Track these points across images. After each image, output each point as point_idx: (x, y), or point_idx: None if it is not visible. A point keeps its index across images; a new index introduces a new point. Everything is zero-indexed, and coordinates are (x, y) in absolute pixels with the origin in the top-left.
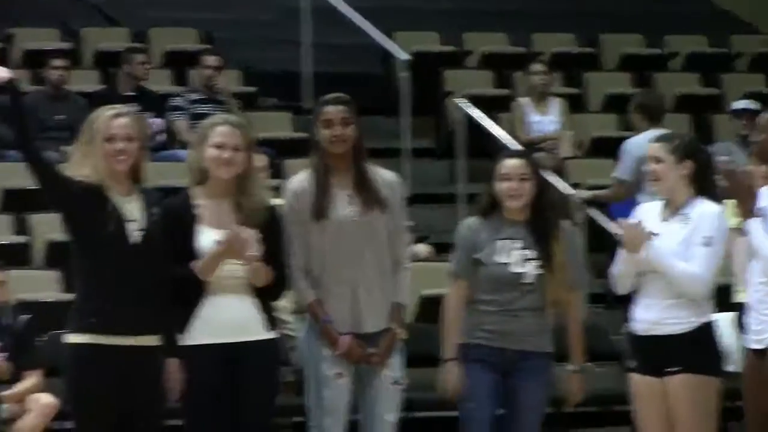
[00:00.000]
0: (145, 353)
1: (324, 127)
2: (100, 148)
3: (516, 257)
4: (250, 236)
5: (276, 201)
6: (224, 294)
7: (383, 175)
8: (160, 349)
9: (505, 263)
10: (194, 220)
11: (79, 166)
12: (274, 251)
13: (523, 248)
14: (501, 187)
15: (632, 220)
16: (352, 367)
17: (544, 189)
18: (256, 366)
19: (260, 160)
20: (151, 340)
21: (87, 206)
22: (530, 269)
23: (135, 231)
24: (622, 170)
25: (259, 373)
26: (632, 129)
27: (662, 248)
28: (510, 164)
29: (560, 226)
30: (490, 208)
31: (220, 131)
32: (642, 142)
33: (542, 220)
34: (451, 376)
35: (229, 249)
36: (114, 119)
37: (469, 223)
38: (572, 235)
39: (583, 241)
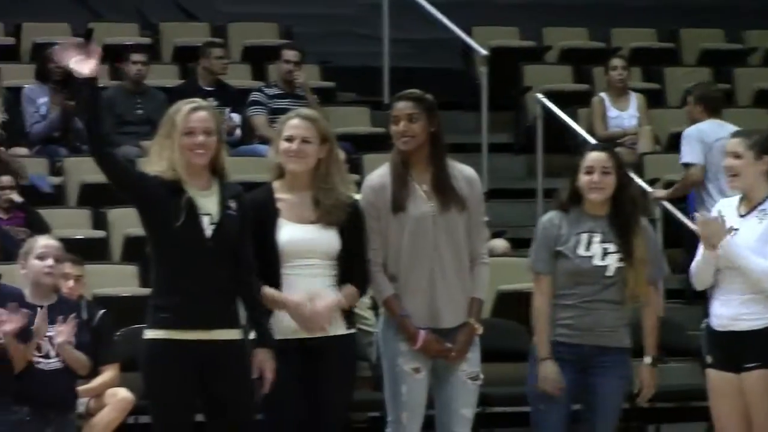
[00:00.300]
0: (220, 347)
1: (393, 123)
2: (179, 141)
3: (597, 250)
4: (326, 309)
5: (355, 196)
6: (305, 289)
7: (462, 170)
8: (237, 342)
9: (588, 256)
10: (276, 214)
11: (157, 160)
12: (356, 247)
13: (603, 242)
14: (584, 179)
15: (711, 214)
16: (430, 362)
17: (625, 184)
18: (334, 361)
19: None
20: (226, 334)
21: (162, 201)
22: (612, 262)
23: (208, 225)
24: (690, 155)
25: (337, 369)
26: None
27: (739, 244)
28: (594, 157)
29: (640, 221)
30: (571, 201)
31: (291, 124)
32: (705, 129)
33: (623, 214)
34: (548, 374)
35: (301, 323)
36: (193, 113)
37: (550, 217)
38: (649, 230)
39: (660, 237)
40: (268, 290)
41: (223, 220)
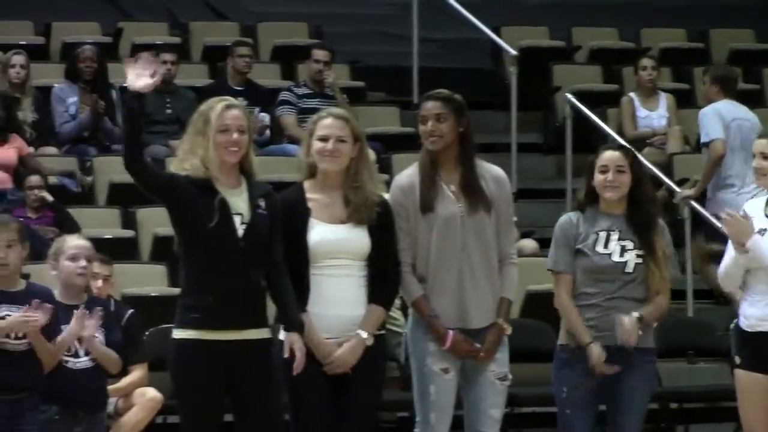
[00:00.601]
0: (250, 347)
1: (421, 123)
2: (214, 138)
3: (615, 247)
4: (352, 353)
5: (385, 195)
6: (337, 290)
7: (491, 170)
8: (267, 341)
9: (607, 253)
10: (307, 214)
11: (188, 158)
12: (387, 246)
13: (621, 239)
14: (599, 178)
15: (738, 213)
16: (458, 362)
17: (641, 182)
18: (363, 363)
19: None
20: (257, 333)
21: (193, 201)
22: (631, 258)
23: (240, 225)
24: (713, 132)
25: (366, 370)
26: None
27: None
28: (608, 156)
29: (658, 218)
30: (588, 201)
31: (325, 123)
32: (722, 109)
33: (641, 211)
34: (600, 356)
35: (326, 367)
36: (227, 110)
37: (568, 217)
38: (666, 230)
39: (688, 237)
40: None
41: (254, 220)
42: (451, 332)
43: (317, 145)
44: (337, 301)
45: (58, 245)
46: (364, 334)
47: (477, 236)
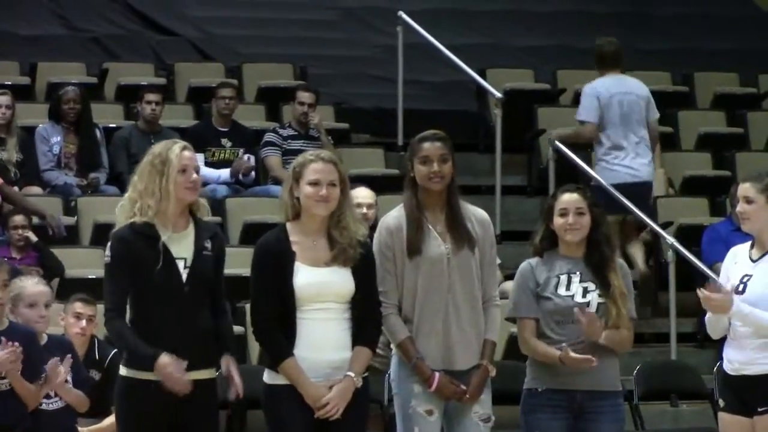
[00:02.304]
0: (196, 387)
1: (421, 164)
2: (175, 178)
3: (577, 289)
4: (341, 397)
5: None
6: (323, 333)
7: (475, 212)
8: (212, 381)
9: (569, 295)
10: (293, 257)
11: (143, 199)
12: (369, 287)
13: (582, 281)
14: (559, 222)
15: (710, 288)
16: (442, 403)
17: (599, 223)
18: (348, 403)
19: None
20: (203, 374)
21: (137, 250)
22: (593, 299)
23: (183, 269)
24: (584, 113)
25: (351, 411)
26: (724, 167)
27: (760, 296)
28: (567, 199)
29: (615, 258)
30: (547, 245)
31: (315, 168)
32: (600, 86)
33: (598, 252)
34: (573, 361)
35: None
36: (185, 151)
37: (528, 264)
38: (625, 268)
39: (673, 280)
40: (289, 365)
41: (197, 263)
42: (437, 374)
43: (308, 189)
44: (323, 344)
45: (16, 292)
46: (353, 376)
47: (462, 277)
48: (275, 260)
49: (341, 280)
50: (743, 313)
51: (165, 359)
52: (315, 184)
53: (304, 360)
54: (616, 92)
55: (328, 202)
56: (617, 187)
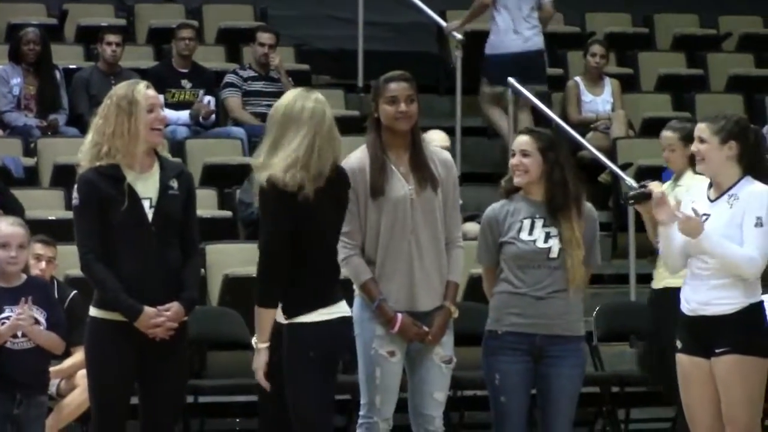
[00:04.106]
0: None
1: (388, 104)
2: (143, 120)
3: (540, 234)
4: None
5: None
6: None
7: (437, 153)
8: (184, 322)
9: (532, 240)
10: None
11: (111, 141)
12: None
13: (546, 226)
14: (512, 162)
15: (687, 211)
16: (405, 345)
17: (555, 167)
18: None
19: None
20: None
21: (103, 193)
22: (554, 244)
23: (149, 209)
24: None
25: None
26: (684, 108)
27: (714, 231)
28: (518, 140)
29: (580, 204)
30: (513, 187)
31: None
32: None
33: (554, 197)
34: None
35: None
36: (149, 90)
37: (492, 210)
38: (591, 215)
39: (632, 221)
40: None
41: (163, 202)
42: (399, 315)
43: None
44: None
45: None
46: None
47: (426, 218)
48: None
49: None
50: (712, 239)
51: (150, 312)
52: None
53: None
54: None
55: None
56: (509, 56)
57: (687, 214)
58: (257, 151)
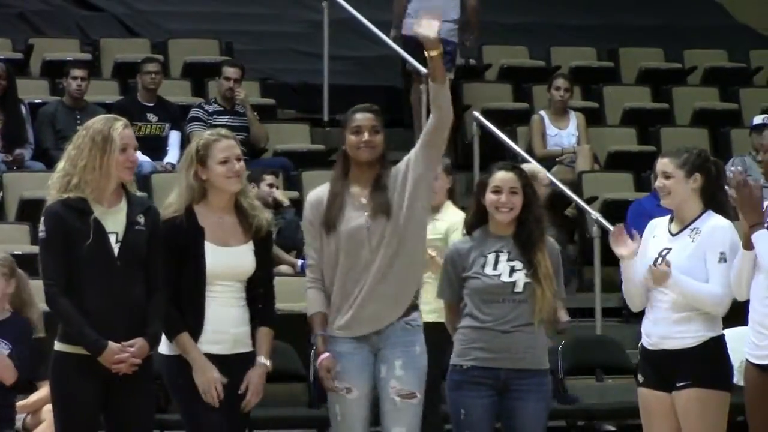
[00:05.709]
0: None
1: (352, 134)
2: (115, 158)
3: (504, 268)
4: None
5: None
6: (223, 307)
7: (549, 242)
8: (149, 357)
9: (496, 274)
10: (202, 237)
11: (82, 175)
12: (266, 266)
13: (510, 260)
14: (491, 198)
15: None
16: (367, 381)
17: (531, 202)
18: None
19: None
20: None
21: (69, 223)
22: (520, 279)
23: (115, 244)
24: None
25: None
26: (649, 142)
27: (676, 267)
28: (501, 177)
29: (545, 239)
30: (477, 221)
31: (225, 145)
32: None
33: (527, 231)
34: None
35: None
36: (125, 129)
37: (455, 247)
38: (555, 249)
39: (598, 255)
40: (184, 339)
41: (129, 237)
42: (323, 355)
43: (220, 169)
44: (227, 316)
45: None
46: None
47: (381, 242)
48: (181, 239)
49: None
50: (680, 283)
51: (114, 347)
52: (226, 161)
53: (209, 332)
54: None
55: (239, 177)
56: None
57: (664, 269)
58: None
